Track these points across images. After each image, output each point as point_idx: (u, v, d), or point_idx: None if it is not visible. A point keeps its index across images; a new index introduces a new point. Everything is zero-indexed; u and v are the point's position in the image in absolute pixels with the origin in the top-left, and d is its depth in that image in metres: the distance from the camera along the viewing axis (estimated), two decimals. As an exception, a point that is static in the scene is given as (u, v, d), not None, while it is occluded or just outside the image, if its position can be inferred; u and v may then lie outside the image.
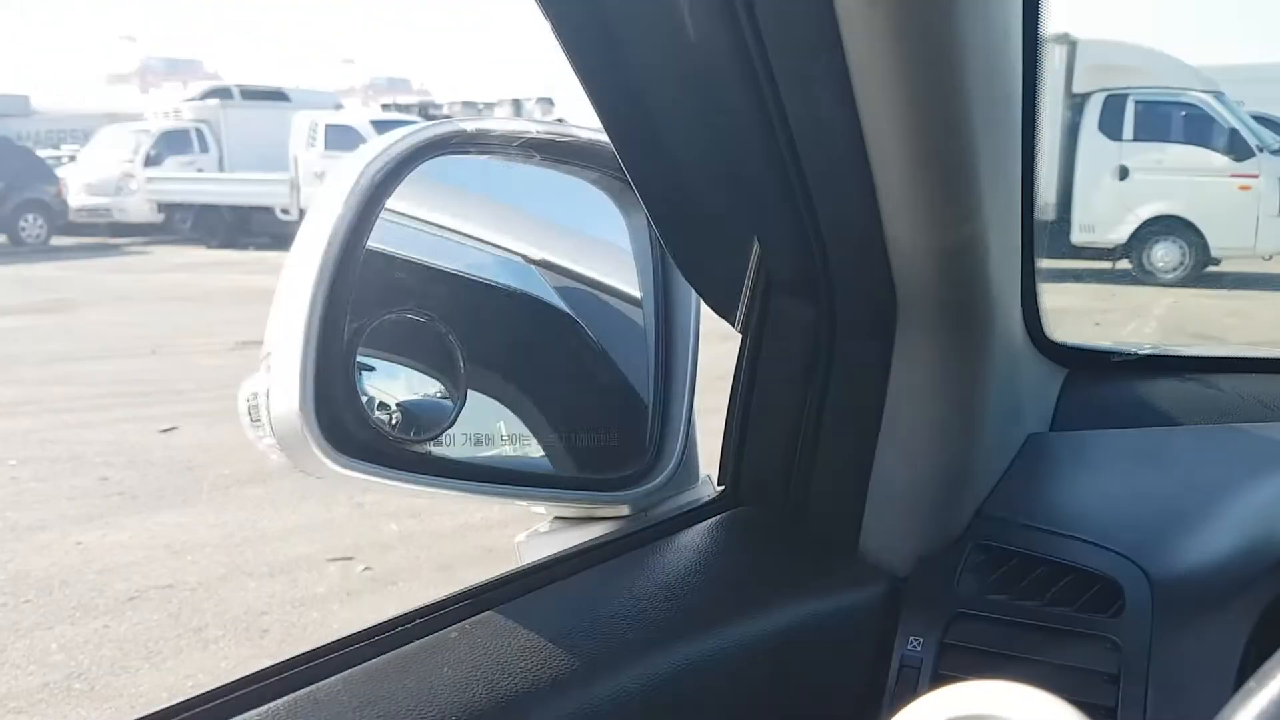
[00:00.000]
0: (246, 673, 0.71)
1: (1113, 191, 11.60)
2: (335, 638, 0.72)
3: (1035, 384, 1.22)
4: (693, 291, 0.93)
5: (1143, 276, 11.45)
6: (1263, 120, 12.84)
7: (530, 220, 0.94)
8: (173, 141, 22.08)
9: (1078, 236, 11.93)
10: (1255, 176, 11.16)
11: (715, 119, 0.76)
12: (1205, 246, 11.31)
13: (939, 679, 0.90)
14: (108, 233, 21.47)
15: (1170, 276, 11.34)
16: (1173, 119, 11.64)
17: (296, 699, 0.69)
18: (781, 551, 1.00)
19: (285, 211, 19.49)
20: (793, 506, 1.00)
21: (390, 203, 0.79)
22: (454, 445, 0.84)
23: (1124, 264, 11.64)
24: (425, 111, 22.50)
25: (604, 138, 0.83)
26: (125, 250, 20.44)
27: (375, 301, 0.79)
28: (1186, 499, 1.00)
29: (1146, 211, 11.40)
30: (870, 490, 0.98)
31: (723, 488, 1.05)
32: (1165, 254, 11.45)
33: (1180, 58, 12.37)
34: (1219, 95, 11.71)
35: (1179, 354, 1.34)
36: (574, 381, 0.97)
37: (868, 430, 0.96)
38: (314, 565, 5.25)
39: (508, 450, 0.89)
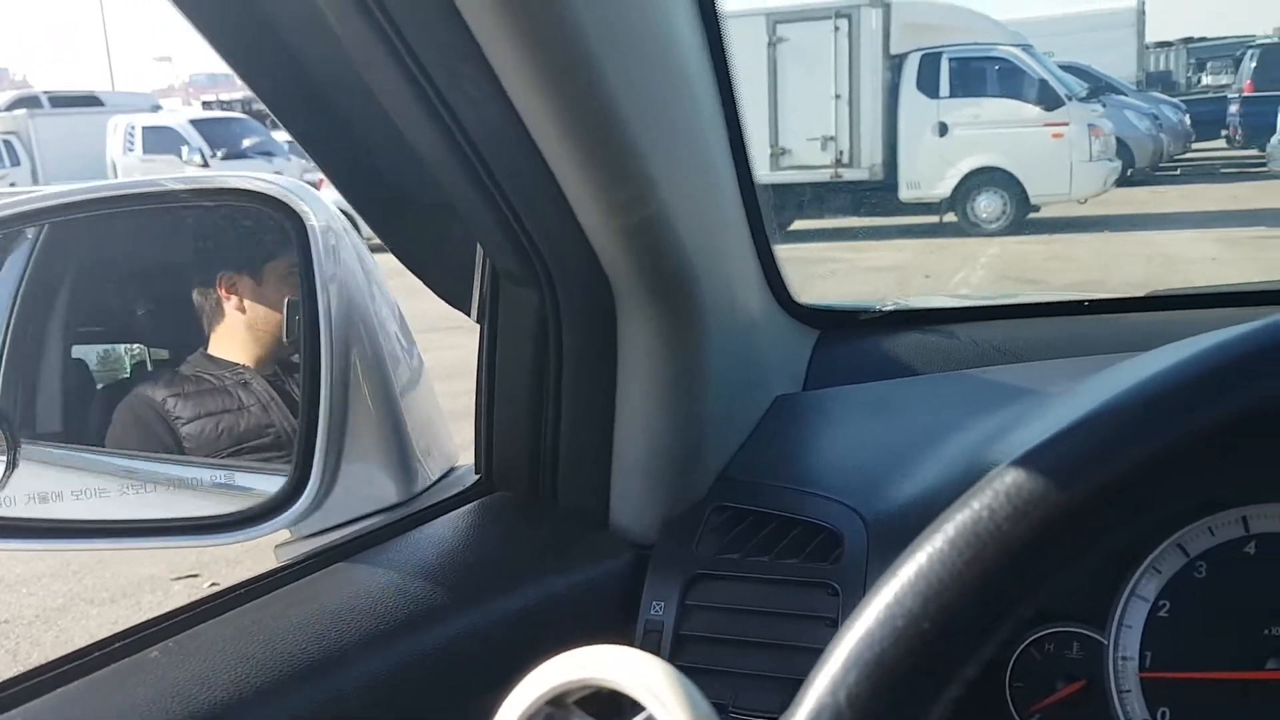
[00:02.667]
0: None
1: (934, 147, 12.02)
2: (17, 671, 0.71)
3: (785, 346, 1.28)
4: (330, 296, 0.92)
5: (969, 228, 11.91)
6: (1070, 69, 13.50)
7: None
8: (-22, 156, 20.85)
9: (905, 193, 12.35)
10: (1066, 124, 11.70)
11: (399, 122, 0.78)
12: (1024, 195, 11.82)
13: (680, 639, 0.94)
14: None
15: (994, 226, 11.83)
16: (986, 74, 12.10)
17: None
18: (535, 530, 1.03)
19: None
20: (544, 487, 1.03)
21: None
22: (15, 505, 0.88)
23: (951, 217, 12.10)
24: (249, 107, 21.73)
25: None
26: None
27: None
28: (909, 444, 1.06)
29: (967, 165, 11.85)
30: (613, 465, 1.01)
31: (479, 475, 1.07)
32: (988, 204, 11.93)
33: (988, 13, 12.87)
34: (1027, 48, 12.24)
35: (922, 307, 1.42)
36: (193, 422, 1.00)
37: (604, 408, 0.99)
38: (159, 586, 5.07)
39: (93, 501, 0.92)
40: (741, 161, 1.03)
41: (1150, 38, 20.31)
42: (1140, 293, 1.38)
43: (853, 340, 1.34)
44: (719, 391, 1.03)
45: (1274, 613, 0.88)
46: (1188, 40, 22.54)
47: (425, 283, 0.97)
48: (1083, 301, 1.36)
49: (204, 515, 0.97)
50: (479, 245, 0.96)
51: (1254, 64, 15.52)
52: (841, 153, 12.56)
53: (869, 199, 12.49)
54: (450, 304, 1.00)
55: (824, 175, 12.67)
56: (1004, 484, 0.50)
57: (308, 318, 0.90)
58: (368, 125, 0.82)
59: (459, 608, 0.91)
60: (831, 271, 10.62)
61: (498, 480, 1.06)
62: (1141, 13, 18.75)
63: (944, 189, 12.03)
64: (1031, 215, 11.96)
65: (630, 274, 0.89)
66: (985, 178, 11.90)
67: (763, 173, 12.35)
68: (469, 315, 1.01)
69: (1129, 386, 0.51)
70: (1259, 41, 16.96)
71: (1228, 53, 19.51)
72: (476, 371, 1.04)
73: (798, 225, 13.13)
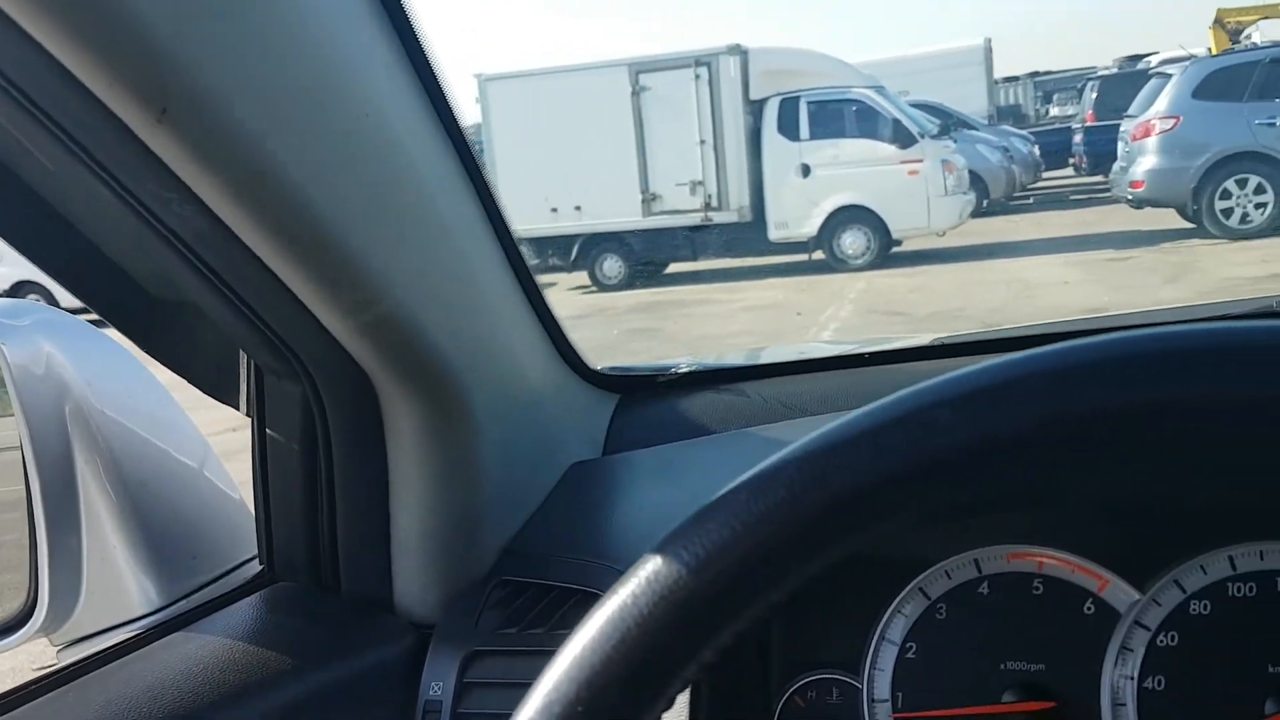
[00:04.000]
0: None
1: (799, 188, 12.38)
2: None
3: (581, 414, 1.31)
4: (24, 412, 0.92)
5: (837, 265, 12.26)
6: (924, 107, 14.08)
7: None
8: None
9: (774, 234, 12.67)
10: (921, 161, 12.17)
11: (125, 236, 0.79)
12: (886, 230, 12.23)
13: (458, 718, 0.96)
14: None
15: (860, 261, 12.20)
16: (843, 115, 12.53)
17: None
18: (318, 619, 1.03)
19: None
20: (326, 574, 1.04)
21: None
22: None
23: (819, 255, 12.44)
24: None
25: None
26: None
27: None
28: (688, 505, 1.11)
29: (830, 204, 12.22)
30: (393, 548, 1.03)
31: (262, 566, 1.08)
32: (853, 241, 12.31)
33: (842, 57, 13.34)
34: (880, 89, 12.73)
35: (718, 366, 1.47)
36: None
37: (377, 494, 1.01)
38: None
39: None
40: (506, 240, 1.06)
41: (999, 73, 21.34)
42: (998, 318, 1.46)
43: (651, 403, 1.39)
44: (499, 467, 1.06)
45: (1007, 648, 0.94)
46: (1034, 74, 23.71)
47: (190, 381, 0.98)
48: (864, 354, 1.44)
49: None
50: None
51: (1094, 95, 16.42)
52: (710, 196, 12.82)
53: (740, 240, 12.78)
54: (218, 400, 1.01)
55: (695, 219, 12.91)
56: (646, 570, 0.54)
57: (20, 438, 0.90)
58: (100, 235, 0.83)
59: (239, 702, 0.91)
60: (709, 314, 10.82)
61: (280, 570, 1.06)
62: (989, 50, 19.68)
63: (810, 228, 12.38)
64: (895, 250, 12.37)
65: (382, 367, 0.92)
66: (849, 215, 12.28)
67: (635, 218, 12.45)
68: (238, 409, 1.02)
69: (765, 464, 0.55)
70: (1099, 73, 17.96)
71: (1071, 85, 20.57)
72: (251, 465, 1.04)
73: (674, 269, 13.35)
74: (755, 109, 12.61)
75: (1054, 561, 0.94)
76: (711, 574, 0.52)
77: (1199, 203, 10.60)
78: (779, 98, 12.44)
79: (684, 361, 1.44)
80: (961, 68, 18.85)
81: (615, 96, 12.62)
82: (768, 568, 0.53)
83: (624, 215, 12.78)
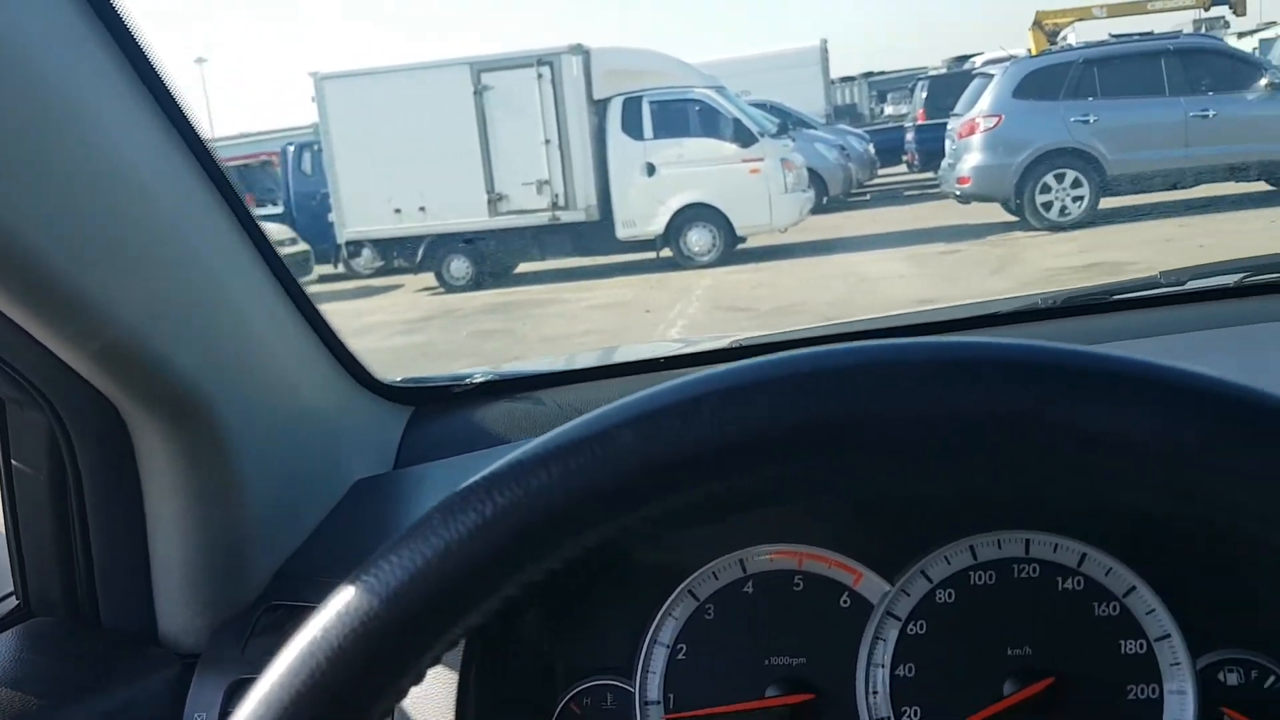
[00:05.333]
0: None
1: (644, 187, 12.49)
2: None
3: (368, 428, 1.29)
4: None
5: (684, 262, 12.41)
6: (764, 106, 14.39)
7: None
8: None
9: (622, 232, 12.74)
10: (761, 159, 12.43)
11: None
12: (731, 228, 12.45)
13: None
14: None
15: (707, 259, 12.38)
16: (686, 115, 12.69)
17: None
18: (76, 653, 0.99)
19: None
20: (85, 607, 1.00)
21: None
22: None
23: (667, 252, 12.57)
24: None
25: None
26: None
27: None
28: None
29: (676, 202, 12.36)
30: (153, 578, 1.00)
31: (18, 602, 1.03)
32: (699, 239, 12.48)
33: (683, 57, 13.51)
34: (720, 89, 12.94)
35: (514, 375, 1.47)
36: None
37: (132, 523, 0.97)
38: None
39: None
40: (271, 258, 1.04)
41: (835, 73, 21.99)
42: (836, 311, 1.49)
43: (446, 414, 1.37)
44: (266, 488, 1.03)
45: (771, 644, 0.97)
46: (869, 75, 24.51)
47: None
48: (659, 359, 1.46)
49: None
50: (-22, 368, 0.92)
51: (924, 94, 17.06)
52: (557, 196, 12.81)
53: (588, 239, 12.82)
54: (-42, 430, 0.96)
55: (543, 218, 12.89)
56: (339, 602, 0.54)
57: None
58: None
59: None
60: (559, 313, 10.82)
61: (36, 606, 1.01)
62: (825, 50, 20.25)
63: (657, 226, 12.49)
64: (740, 246, 12.60)
65: (123, 392, 0.89)
66: (694, 213, 12.44)
67: (482, 218, 12.31)
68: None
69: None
70: (929, 73, 18.69)
71: (904, 85, 21.33)
72: (-1, 496, 0.99)
73: (524, 268, 13.30)
74: (599, 108, 12.66)
75: (813, 559, 0.97)
76: (404, 603, 0.52)
77: (1021, 197, 11.13)
78: (622, 97, 12.52)
79: (479, 370, 1.43)
80: (799, 68, 19.35)
81: (457, 95, 12.48)
82: (459, 594, 0.53)
83: (470, 215, 12.65)
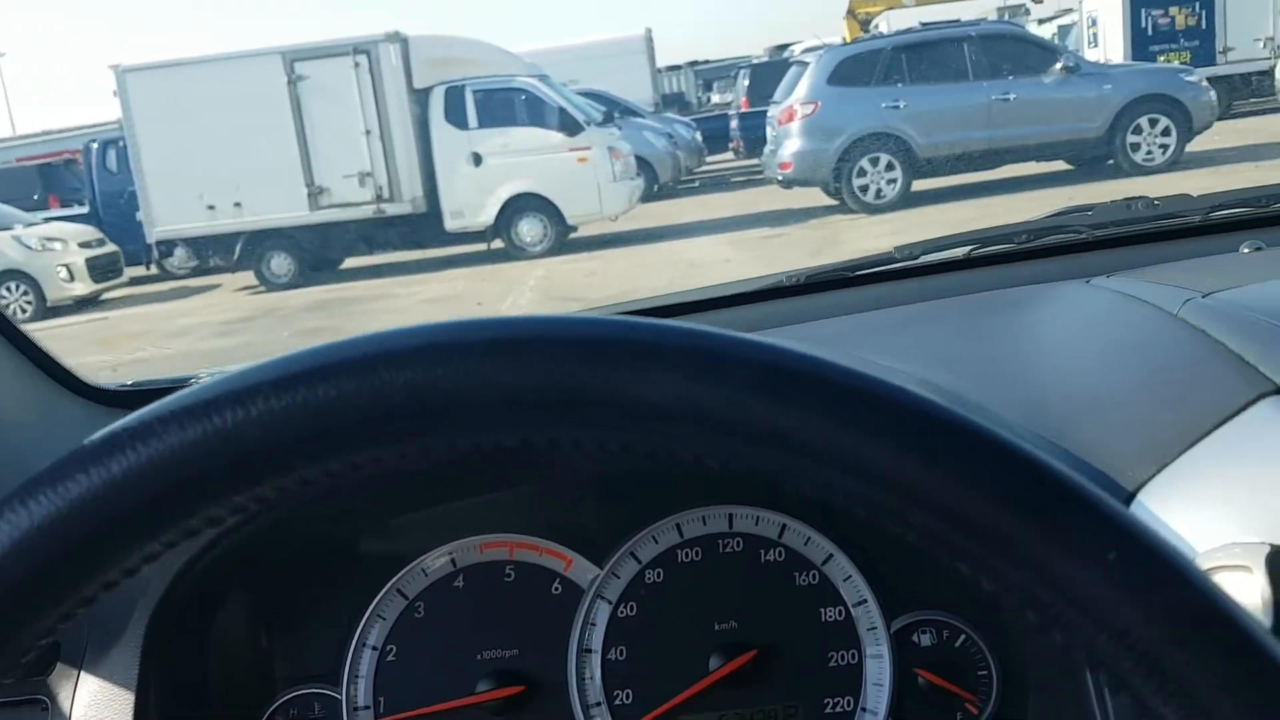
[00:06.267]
0: None
1: (472, 177, 12.31)
2: None
3: (76, 436, 1.21)
4: None
5: (516, 253, 12.31)
6: (591, 95, 14.39)
7: None
8: None
9: (450, 224, 12.55)
10: (588, 148, 12.42)
11: None
12: (562, 217, 12.41)
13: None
14: None
15: (539, 249, 12.31)
16: (511, 104, 12.57)
17: None
18: None
19: None
20: None
21: None
22: None
23: (498, 243, 12.45)
24: None
25: None
26: None
27: None
28: None
29: (505, 192, 12.24)
30: None
31: None
32: (530, 229, 12.40)
33: (504, 46, 13.39)
34: (544, 78, 12.87)
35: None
36: None
37: None
38: None
39: None
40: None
41: (661, 62, 22.15)
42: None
43: None
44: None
45: (483, 638, 0.94)
46: (694, 63, 24.82)
47: None
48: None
49: None
50: None
51: (747, 82, 17.40)
52: (381, 188, 12.51)
53: (417, 232, 12.57)
54: None
55: (367, 212, 12.57)
56: None
57: None
58: None
59: None
60: (388, 309, 10.58)
61: None
62: (650, 39, 20.39)
63: (487, 217, 12.35)
64: (572, 235, 12.58)
65: None
66: (524, 203, 12.35)
67: (302, 213, 11.93)
68: None
69: None
70: (752, 62, 19.05)
71: (728, 73, 21.70)
72: None
73: (351, 264, 12.94)
74: (421, 98, 12.41)
75: (524, 547, 0.95)
76: None
77: (839, 181, 11.47)
78: (444, 87, 12.30)
79: (206, 371, 1.36)
80: (625, 56, 19.41)
81: (270, 86, 12.02)
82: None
83: (289, 210, 12.22)
